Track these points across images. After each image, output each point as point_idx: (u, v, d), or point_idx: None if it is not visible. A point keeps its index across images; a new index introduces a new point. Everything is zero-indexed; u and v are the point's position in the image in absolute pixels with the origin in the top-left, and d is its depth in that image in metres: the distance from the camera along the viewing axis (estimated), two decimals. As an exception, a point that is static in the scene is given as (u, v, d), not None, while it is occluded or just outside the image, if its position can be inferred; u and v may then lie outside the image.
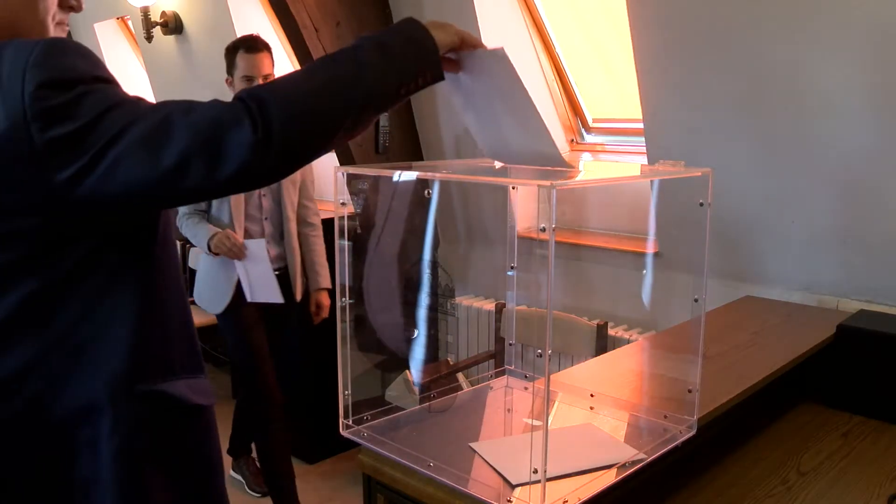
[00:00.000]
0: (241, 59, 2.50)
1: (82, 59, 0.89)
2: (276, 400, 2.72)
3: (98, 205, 0.89)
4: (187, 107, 0.88)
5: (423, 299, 3.39)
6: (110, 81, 0.91)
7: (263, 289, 2.60)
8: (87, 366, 0.96)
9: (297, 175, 2.65)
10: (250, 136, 0.87)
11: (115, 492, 0.98)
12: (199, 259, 2.79)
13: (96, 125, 0.85)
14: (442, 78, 1.04)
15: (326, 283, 2.82)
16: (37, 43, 0.86)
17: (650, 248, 2.78)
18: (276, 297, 2.62)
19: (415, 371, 2.98)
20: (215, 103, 0.89)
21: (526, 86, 1.09)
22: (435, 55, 1.01)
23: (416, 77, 0.99)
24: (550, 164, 1.18)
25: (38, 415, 0.95)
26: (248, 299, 2.61)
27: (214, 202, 2.58)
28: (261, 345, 2.69)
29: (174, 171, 0.86)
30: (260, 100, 0.89)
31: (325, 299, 2.82)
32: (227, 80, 2.58)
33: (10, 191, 0.87)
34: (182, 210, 2.57)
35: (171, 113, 0.87)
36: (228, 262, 2.59)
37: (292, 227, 2.71)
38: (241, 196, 2.56)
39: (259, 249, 2.58)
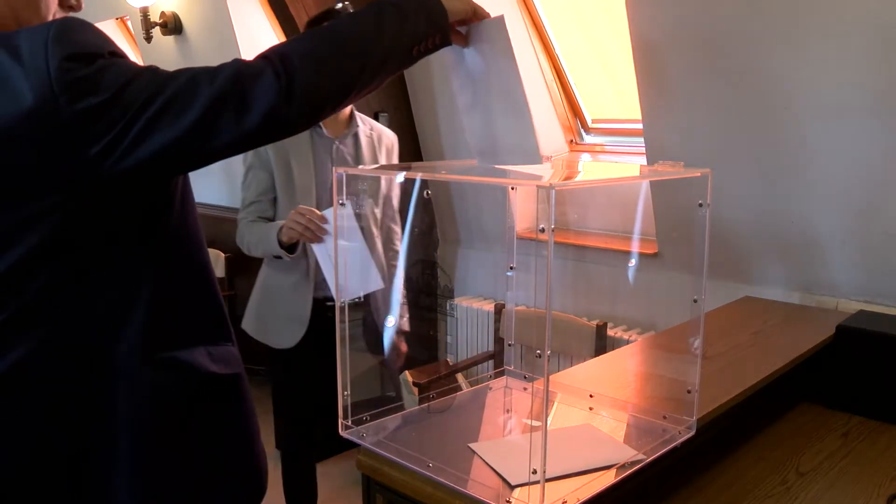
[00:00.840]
0: None
1: (95, 35, 0.91)
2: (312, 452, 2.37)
3: (129, 175, 0.90)
4: (209, 68, 0.92)
5: (423, 299, 3.38)
6: (123, 56, 0.93)
7: (356, 275, 1.95)
8: (102, 338, 0.97)
9: (381, 183, 2.19)
10: (274, 84, 0.91)
11: (134, 457, 0.99)
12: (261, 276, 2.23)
13: (122, 96, 0.87)
14: (449, 42, 1.09)
15: (406, 325, 2.31)
16: (52, 22, 0.88)
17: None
18: (375, 282, 2.01)
19: (415, 371, 2.98)
20: (237, 60, 0.93)
21: (521, 74, 1.13)
22: (443, 19, 1.06)
23: (426, 39, 1.04)
24: (526, 157, 1.19)
25: (55, 389, 0.96)
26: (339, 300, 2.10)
27: (283, 210, 2.09)
28: (317, 395, 2.22)
29: (202, 126, 0.89)
30: (282, 53, 0.94)
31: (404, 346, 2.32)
32: None
33: (38, 169, 0.88)
34: (244, 221, 2.12)
35: (195, 75, 0.90)
36: (303, 279, 2.08)
37: (378, 245, 2.19)
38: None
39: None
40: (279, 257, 2.06)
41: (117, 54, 0.92)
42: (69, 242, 0.92)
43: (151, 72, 0.91)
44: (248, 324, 2.23)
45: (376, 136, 2.24)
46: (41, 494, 0.97)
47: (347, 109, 2.13)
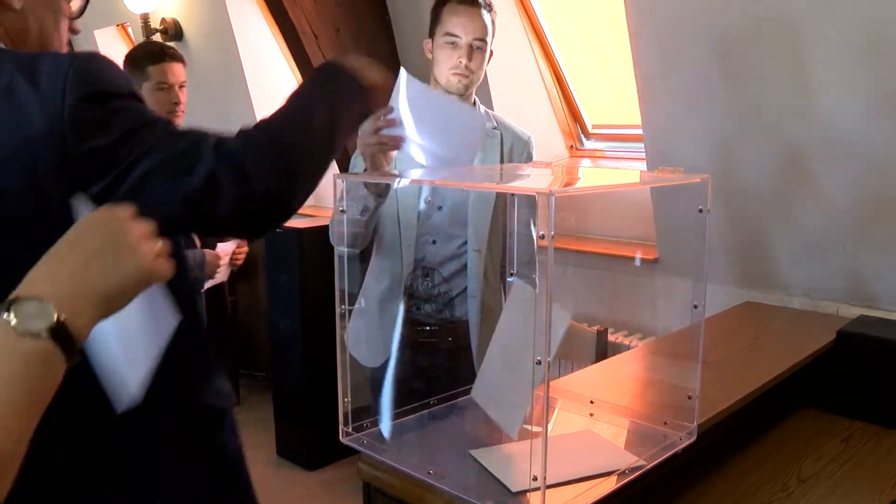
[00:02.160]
0: (449, 12, 1.80)
1: (118, 74, 0.92)
2: None
3: None
4: (214, 135, 0.93)
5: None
6: (142, 100, 0.94)
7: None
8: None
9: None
10: (262, 149, 0.93)
11: (124, 484, 1.00)
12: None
13: (128, 140, 0.87)
14: (377, 107, 1.21)
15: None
16: (75, 55, 0.89)
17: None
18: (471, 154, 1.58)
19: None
20: (241, 134, 0.96)
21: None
22: (364, 98, 1.11)
23: (358, 113, 1.12)
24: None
25: (68, 428, 0.95)
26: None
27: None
28: None
29: (202, 192, 0.89)
30: (257, 126, 0.97)
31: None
32: (425, 43, 1.88)
33: (37, 196, 0.88)
34: (332, 221, 1.80)
35: (200, 140, 0.91)
36: (396, 285, 1.87)
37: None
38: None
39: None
40: (364, 213, 1.74)
41: (136, 97, 0.93)
42: None
43: (164, 123, 0.91)
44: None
45: (507, 138, 1.94)
46: None
47: (469, 100, 1.89)
